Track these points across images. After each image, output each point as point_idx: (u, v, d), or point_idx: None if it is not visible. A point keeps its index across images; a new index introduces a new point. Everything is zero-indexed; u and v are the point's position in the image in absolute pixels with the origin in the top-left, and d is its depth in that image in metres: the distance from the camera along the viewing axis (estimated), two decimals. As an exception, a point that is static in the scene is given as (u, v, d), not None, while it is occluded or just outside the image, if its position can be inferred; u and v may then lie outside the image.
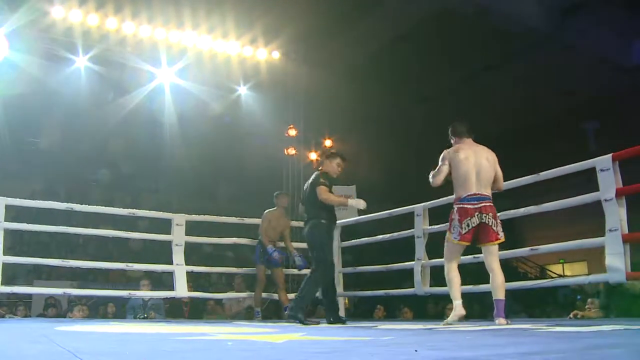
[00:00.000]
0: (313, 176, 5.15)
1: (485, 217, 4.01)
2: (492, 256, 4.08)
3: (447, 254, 4.25)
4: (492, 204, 4.08)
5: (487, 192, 4.09)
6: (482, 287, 5.47)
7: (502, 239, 4.09)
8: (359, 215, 7.06)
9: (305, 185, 5.22)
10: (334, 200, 4.96)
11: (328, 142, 13.35)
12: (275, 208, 6.65)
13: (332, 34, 11.94)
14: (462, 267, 5.79)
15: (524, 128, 14.97)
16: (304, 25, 10.84)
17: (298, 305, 4.78)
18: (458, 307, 4.06)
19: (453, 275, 4.19)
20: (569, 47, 11.98)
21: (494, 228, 4.04)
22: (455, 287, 4.15)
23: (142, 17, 9.70)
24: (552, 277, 14.19)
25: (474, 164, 4.10)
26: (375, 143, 14.47)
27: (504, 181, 4.36)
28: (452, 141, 4.34)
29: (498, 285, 4.01)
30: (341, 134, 13.59)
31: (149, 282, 7.26)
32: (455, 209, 4.13)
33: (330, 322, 4.92)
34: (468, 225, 4.02)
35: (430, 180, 4.27)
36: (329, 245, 5.05)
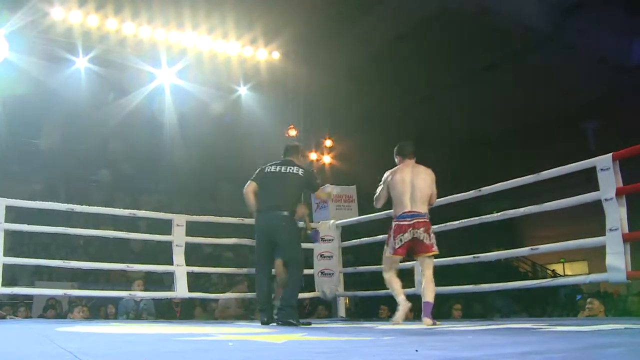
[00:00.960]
0: (295, 168, 4.81)
1: (417, 232, 4.35)
2: (426, 266, 4.43)
3: (385, 265, 4.59)
4: (426, 220, 4.41)
5: (422, 209, 4.42)
6: (483, 287, 5.49)
7: (436, 252, 4.42)
8: (359, 216, 7.06)
9: (277, 168, 4.85)
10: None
11: (328, 142, 13.37)
12: None
13: (332, 34, 11.95)
14: (462, 267, 5.83)
15: (524, 128, 14.98)
16: (304, 25, 10.84)
17: (288, 307, 4.54)
18: (403, 301, 4.43)
19: (392, 280, 4.53)
20: (569, 47, 11.99)
21: (427, 241, 4.37)
22: (396, 287, 4.52)
23: (142, 17, 9.70)
24: (553, 277, 14.19)
25: (410, 184, 4.45)
26: (375, 143, 14.47)
27: (504, 181, 4.84)
28: (396, 160, 4.65)
29: (429, 290, 4.35)
30: (341, 134, 13.59)
31: (142, 282, 7.23)
32: (393, 225, 4.48)
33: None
34: (401, 240, 4.39)
35: (374, 203, 4.71)
36: (300, 242, 4.94)
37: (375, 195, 4.68)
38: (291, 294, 4.60)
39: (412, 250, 4.44)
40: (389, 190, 4.54)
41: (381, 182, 4.62)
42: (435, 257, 5.79)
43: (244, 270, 7.16)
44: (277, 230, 4.68)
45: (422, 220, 4.39)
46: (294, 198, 4.79)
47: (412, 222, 4.36)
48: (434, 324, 4.22)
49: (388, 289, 5.64)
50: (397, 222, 4.43)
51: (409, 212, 4.39)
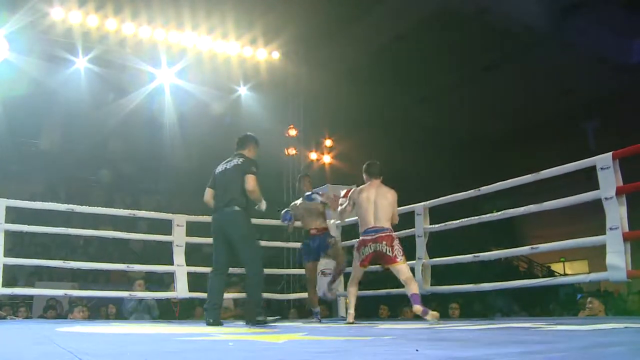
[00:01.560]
0: (240, 160, 4.72)
1: (379, 245, 4.66)
2: (399, 273, 4.70)
3: (352, 274, 4.98)
4: (388, 234, 4.70)
5: (386, 224, 4.73)
6: (483, 287, 5.49)
7: (400, 262, 4.66)
8: None
9: (224, 166, 4.81)
10: (259, 195, 4.59)
11: (328, 142, 13.37)
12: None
13: (332, 34, 11.95)
14: (462, 267, 5.86)
15: (523, 128, 14.98)
16: (303, 25, 10.84)
17: (254, 306, 4.48)
18: (350, 316, 4.87)
19: (351, 292, 4.96)
20: (568, 46, 11.99)
21: (389, 253, 4.65)
22: (352, 301, 4.96)
23: (142, 18, 9.70)
24: (555, 276, 14.19)
25: (374, 203, 4.78)
26: (375, 143, 14.48)
27: (502, 181, 5.10)
28: (364, 177, 4.97)
29: (410, 286, 4.65)
30: (341, 134, 13.60)
31: (143, 282, 7.19)
32: (358, 240, 4.88)
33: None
34: (363, 254, 4.76)
35: (339, 216, 5.21)
36: (256, 238, 4.78)
37: (339, 209, 5.08)
38: (253, 292, 4.52)
39: (380, 261, 4.80)
40: (354, 207, 4.92)
41: (348, 198, 4.99)
42: (437, 256, 5.84)
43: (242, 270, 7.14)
44: (229, 226, 4.63)
45: (385, 234, 4.70)
46: (243, 191, 4.60)
47: (375, 236, 4.70)
48: (424, 312, 4.48)
49: (388, 288, 5.65)
50: (362, 238, 4.80)
51: (372, 227, 4.73)
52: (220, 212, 4.70)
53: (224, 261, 4.76)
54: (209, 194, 4.89)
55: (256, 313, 4.43)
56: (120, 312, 7.97)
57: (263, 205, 4.73)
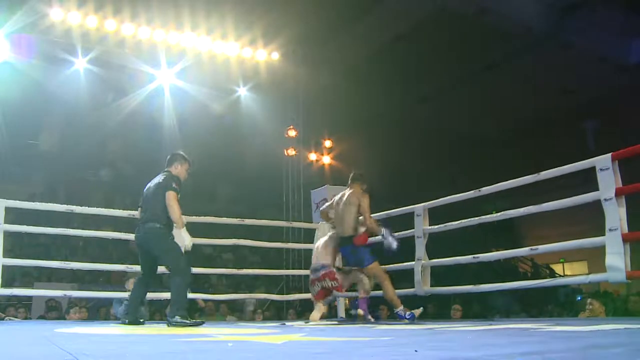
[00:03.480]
0: (163, 177, 4.77)
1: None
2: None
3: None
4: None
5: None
6: (483, 287, 5.48)
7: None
8: None
9: (149, 184, 4.87)
10: (177, 212, 4.56)
11: (328, 143, 13.37)
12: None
13: (331, 35, 11.95)
14: (462, 267, 5.85)
15: (523, 128, 14.98)
16: (303, 26, 10.85)
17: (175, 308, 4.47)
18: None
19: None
20: (568, 46, 11.99)
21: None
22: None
23: (141, 18, 9.71)
24: (555, 276, 14.19)
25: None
26: (374, 143, 14.48)
27: (503, 182, 5.08)
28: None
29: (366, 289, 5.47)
30: (341, 134, 13.60)
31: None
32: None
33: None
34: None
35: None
36: (178, 249, 4.64)
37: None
38: (176, 297, 4.47)
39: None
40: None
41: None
42: (436, 257, 5.84)
43: (243, 272, 7.17)
44: (148, 242, 4.70)
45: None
46: (164, 208, 4.61)
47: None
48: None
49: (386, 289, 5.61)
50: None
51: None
52: (140, 228, 4.76)
53: (147, 271, 4.92)
54: (139, 212, 4.97)
55: (176, 314, 4.38)
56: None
57: (185, 237, 4.66)
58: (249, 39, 10.72)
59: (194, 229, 6.62)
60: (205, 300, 7.84)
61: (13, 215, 6.73)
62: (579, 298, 11.33)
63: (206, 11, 10.14)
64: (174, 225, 4.63)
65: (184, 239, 4.63)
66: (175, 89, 10.84)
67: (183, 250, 4.59)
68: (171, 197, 4.55)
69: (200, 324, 4.60)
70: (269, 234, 10.92)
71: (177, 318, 4.33)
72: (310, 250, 7.01)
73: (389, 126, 14.68)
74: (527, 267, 16.99)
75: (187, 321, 4.37)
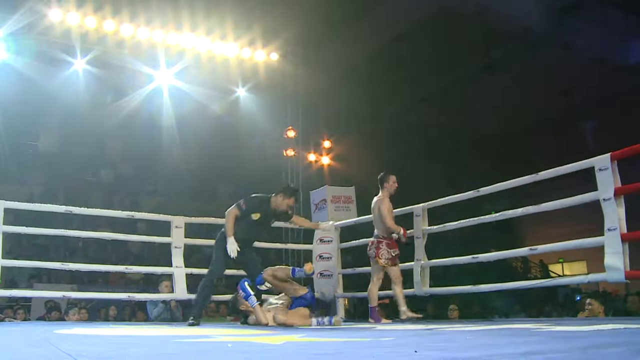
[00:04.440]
0: (248, 197, 5.36)
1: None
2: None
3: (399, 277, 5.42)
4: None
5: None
6: (482, 287, 5.49)
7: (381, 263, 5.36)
8: (358, 217, 7.06)
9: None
10: (227, 224, 5.22)
11: (327, 143, 13.36)
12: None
13: (331, 35, 11.95)
14: (462, 267, 5.88)
15: (523, 128, 14.99)
16: (302, 26, 10.84)
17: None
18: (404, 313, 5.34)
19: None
20: (567, 46, 12.01)
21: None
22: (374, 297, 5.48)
23: (140, 19, 9.69)
24: (553, 276, 14.19)
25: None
26: (374, 143, 14.48)
27: (503, 181, 5.08)
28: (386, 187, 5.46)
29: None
30: (340, 135, 13.59)
31: (169, 283, 6.52)
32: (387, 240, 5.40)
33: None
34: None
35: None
36: (218, 254, 5.31)
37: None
38: (196, 298, 5.29)
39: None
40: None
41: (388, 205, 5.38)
42: (435, 257, 5.85)
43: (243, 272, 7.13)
44: None
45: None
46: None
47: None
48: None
49: (386, 290, 5.62)
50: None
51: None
52: None
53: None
54: None
55: (190, 313, 5.14)
56: (118, 314, 7.95)
57: (228, 240, 5.19)
58: (248, 40, 10.71)
59: (194, 229, 6.63)
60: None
61: (12, 216, 6.72)
62: (578, 298, 11.34)
63: (205, 12, 10.13)
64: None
65: (228, 247, 5.16)
66: (174, 89, 10.83)
67: (232, 256, 5.12)
68: (228, 212, 5.21)
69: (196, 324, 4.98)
70: (268, 235, 10.90)
71: (190, 319, 4.94)
72: (309, 251, 7.02)
73: (389, 126, 14.69)
74: (518, 263, 16.84)
75: (194, 322, 4.93)
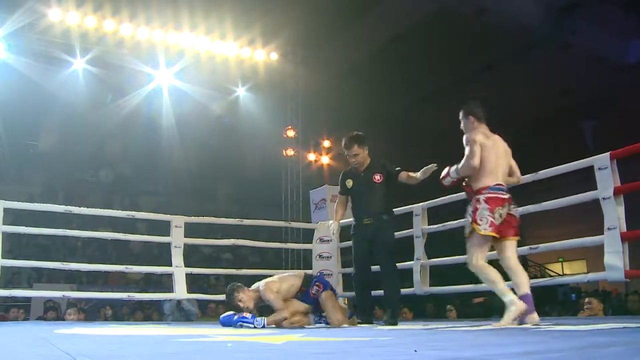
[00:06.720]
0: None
1: (513, 208, 3.69)
2: (512, 251, 3.79)
3: (476, 249, 3.79)
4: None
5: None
6: (482, 287, 5.48)
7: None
8: None
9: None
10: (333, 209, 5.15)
11: (326, 143, 13.36)
12: None
13: (331, 35, 11.94)
14: (461, 266, 5.83)
15: (522, 127, 14.98)
16: (302, 26, 10.84)
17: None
18: (516, 302, 3.54)
19: (489, 270, 3.75)
20: (567, 46, 12.00)
21: (514, 224, 3.72)
22: (500, 282, 3.72)
23: (140, 18, 9.69)
24: (552, 275, 14.19)
25: (496, 153, 3.75)
26: (374, 143, 14.44)
27: None
28: (469, 124, 3.92)
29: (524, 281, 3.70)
30: (340, 135, 13.56)
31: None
32: (484, 197, 3.66)
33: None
34: (500, 216, 3.59)
35: (468, 163, 3.73)
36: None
37: (470, 156, 3.74)
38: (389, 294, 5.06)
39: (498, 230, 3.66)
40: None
41: (471, 142, 3.77)
42: (434, 257, 5.83)
43: (243, 272, 7.15)
44: None
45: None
46: None
47: (507, 196, 3.66)
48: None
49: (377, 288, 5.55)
50: (493, 194, 3.62)
51: (501, 184, 3.68)
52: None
53: None
54: None
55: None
56: (117, 314, 7.95)
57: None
58: (247, 39, 10.71)
59: (193, 229, 6.63)
60: (205, 301, 7.84)
61: (12, 216, 6.72)
62: (574, 297, 11.34)
63: (205, 11, 10.13)
64: None
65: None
66: (174, 89, 10.83)
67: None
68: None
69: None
70: (268, 234, 10.92)
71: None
72: (309, 251, 7.01)
73: (389, 126, 14.67)
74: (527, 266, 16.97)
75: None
